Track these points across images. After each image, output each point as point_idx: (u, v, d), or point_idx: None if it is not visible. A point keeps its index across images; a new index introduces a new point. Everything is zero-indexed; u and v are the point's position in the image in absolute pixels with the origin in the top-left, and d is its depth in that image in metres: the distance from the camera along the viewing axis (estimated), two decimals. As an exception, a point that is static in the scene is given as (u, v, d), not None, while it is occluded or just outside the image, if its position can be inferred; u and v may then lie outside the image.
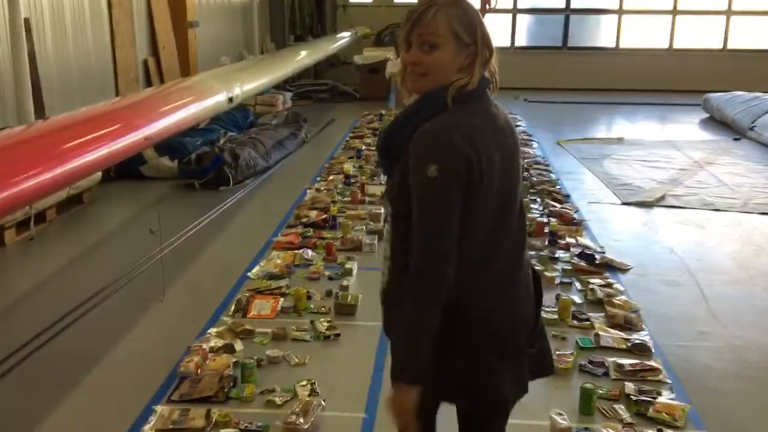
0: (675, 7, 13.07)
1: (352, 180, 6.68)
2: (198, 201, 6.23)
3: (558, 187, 6.54)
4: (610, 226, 5.59)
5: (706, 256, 4.99)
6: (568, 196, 6.30)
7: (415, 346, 1.67)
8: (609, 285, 4.29)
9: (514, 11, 13.49)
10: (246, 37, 12.06)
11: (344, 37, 13.55)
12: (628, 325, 3.77)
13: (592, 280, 4.35)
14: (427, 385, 1.69)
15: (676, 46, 13.14)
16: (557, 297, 4.09)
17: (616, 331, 3.69)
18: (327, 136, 9.10)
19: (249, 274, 4.50)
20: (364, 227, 5.32)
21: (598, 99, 12.09)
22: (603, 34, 13.56)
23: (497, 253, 1.77)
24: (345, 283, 4.24)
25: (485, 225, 1.72)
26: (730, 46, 13.06)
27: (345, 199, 6.15)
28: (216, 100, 5.18)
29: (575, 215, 5.70)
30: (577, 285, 4.36)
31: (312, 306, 4.02)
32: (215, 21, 10.59)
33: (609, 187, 6.70)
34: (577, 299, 4.12)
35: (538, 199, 6.14)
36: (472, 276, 1.72)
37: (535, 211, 5.78)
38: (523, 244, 1.85)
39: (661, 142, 8.71)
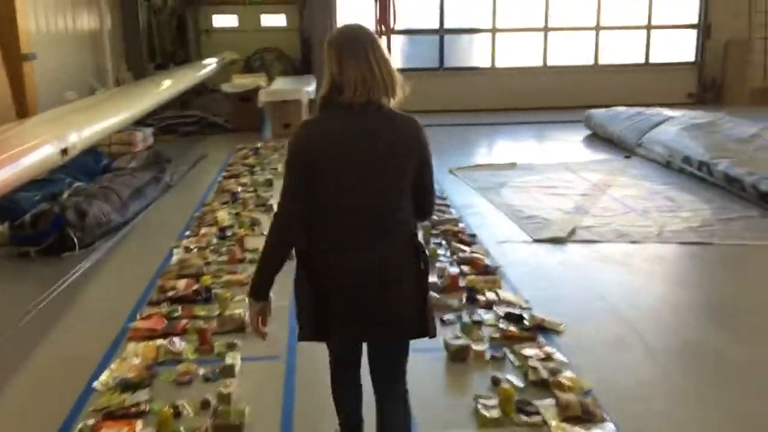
0: (546, 24, 12.89)
1: (228, 233, 5.64)
2: (34, 274, 4.99)
3: (461, 225, 5.79)
4: (527, 271, 4.88)
5: (639, 302, 4.35)
6: (473, 236, 5.56)
7: (258, 271, 2.38)
8: (549, 357, 3.53)
9: (389, 33, 12.83)
10: (97, 68, 10.65)
11: (210, 63, 12.41)
12: (586, 416, 3.00)
13: (527, 351, 3.57)
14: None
15: (549, 63, 12.96)
16: (495, 383, 3.28)
17: (577, 429, 2.91)
18: (197, 176, 7.96)
19: (95, 384, 3.37)
20: (246, 298, 4.30)
21: (478, 120, 11.64)
22: (478, 53, 13.18)
23: (335, 221, 2.27)
24: (225, 389, 3.21)
25: (326, 196, 2.24)
26: (601, 61, 13.03)
27: (221, 258, 5.11)
28: (43, 154, 4.01)
29: (487, 261, 4.95)
30: (512, 358, 3.57)
31: (182, 429, 2.97)
32: (57, 51, 9.16)
33: (514, 221, 6.04)
34: (516, 380, 3.32)
35: (444, 242, 5.36)
36: (314, 235, 2.28)
37: (443, 259, 4.99)
38: (372, 223, 2.27)
39: (554, 165, 8.22)
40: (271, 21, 14.34)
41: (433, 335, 2.41)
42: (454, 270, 4.74)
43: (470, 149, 9.71)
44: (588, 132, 10.23)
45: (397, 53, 13.14)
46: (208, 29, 14.43)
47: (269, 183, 7.30)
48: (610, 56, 13.06)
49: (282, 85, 10.95)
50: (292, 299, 2.66)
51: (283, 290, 4.08)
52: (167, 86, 9.57)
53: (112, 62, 10.84)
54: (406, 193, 2.28)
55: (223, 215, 6.07)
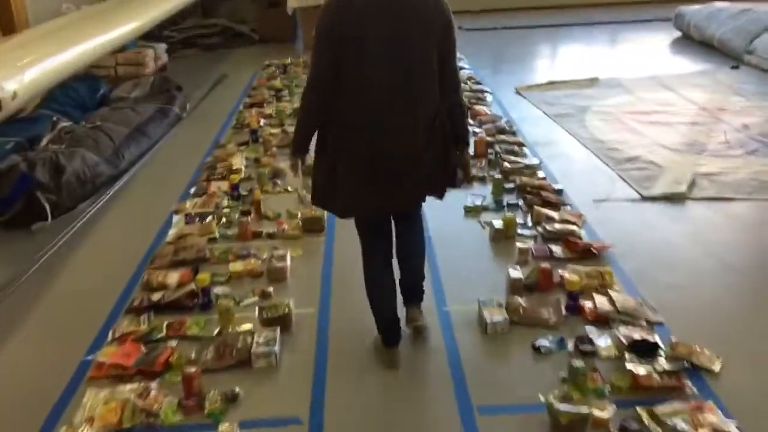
0: None
1: (243, 190, 4.34)
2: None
3: (541, 175, 4.37)
4: (644, 250, 3.48)
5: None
6: (560, 191, 4.15)
7: (296, 133, 2.49)
8: (717, 435, 2.21)
9: None
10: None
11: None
12: None
13: (678, 422, 2.25)
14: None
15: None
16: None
17: None
18: (213, 105, 6.59)
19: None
20: (256, 307, 3.05)
21: (541, 20, 9.83)
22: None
23: (370, 92, 2.32)
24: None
25: (354, 67, 2.29)
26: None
27: (230, 232, 3.84)
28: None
29: (583, 234, 3.58)
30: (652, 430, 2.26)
31: None
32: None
33: (610, 165, 4.58)
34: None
35: (521, 204, 3.98)
36: (349, 104, 2.34)
37: (525, 233, 3.63)
38: (399, 86, 2.32)
39: (644, 79, 6.58)
40: None
41: (457, 186, 2.60)
42: (538, 249, 3.39)
43: (536, 59, 8.07)
44: (677, 33, 8.42)
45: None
46: None
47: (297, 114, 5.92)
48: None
49: (314, -14, 9.29)
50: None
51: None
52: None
53: (121, -35, 9.31)
54: (432, 63, 2.34)
55: (239, 163, 4.77)
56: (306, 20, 8.74)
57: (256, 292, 3.19)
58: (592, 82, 6.55)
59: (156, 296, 3.16)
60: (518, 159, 4.61)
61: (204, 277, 3.16)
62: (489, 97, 6.17)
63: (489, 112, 5.69)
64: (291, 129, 5.62)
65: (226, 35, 9.60)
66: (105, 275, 3.52)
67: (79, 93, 5.86)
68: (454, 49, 2.41)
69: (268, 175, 4.54)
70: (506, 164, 4.48)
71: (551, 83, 6.57)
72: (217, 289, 3.20)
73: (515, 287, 3.07)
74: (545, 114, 5.72)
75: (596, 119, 5.50)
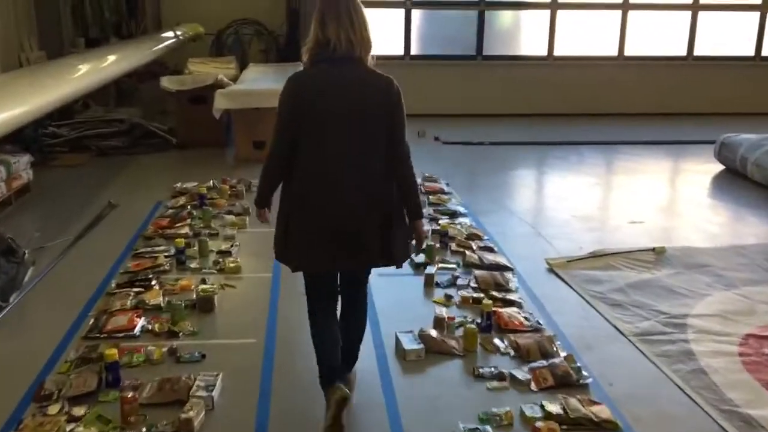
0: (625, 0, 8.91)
1: None
2: None
3: None
4: None
5: None
6: None
7: (259, 190, 2.60)
8: None
9: (408, 4, 8.84)
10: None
11: (165, 39, 8.43)
12: None
13: None
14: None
15: (627, 52, 9.03)
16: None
17: None
18: (74, 271, 3.97)
19: None
20: None
21: (534, 134, 7.74)
22: (531, 37, 9.22)
23: (320, 157, 2.42)
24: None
25: (313, 136, 2.41)
26: (697, 52, 9.12)
27: None
28: None
29: None
30: None
31: None
32: None
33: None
34: None
35: None
36: (304, 166, 2.43)
37: None
38: (351, 162, 2.42)
39: (726, 252, 4.35)
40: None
41: (398, 265, 2.61)
42: None
43: (545, 195, 5.88)
44: (719, 167, 6.38)
45: (418, 34, 9.14)
46: (169, -9, 10.25)
47: (208, 307, 3.40)
48: (708, 46, 9.15)
49: (254, 80, 6.94)
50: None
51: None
52: (79, 74, 5.58)
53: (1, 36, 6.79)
54: (380, 140, 2.43)
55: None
56: (242, 125, 6.36)
57: None
58: (658, 255, 4.26)
59: None
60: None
61: None
62: (513, 281, 3.81)
63: (525, 322, 3.32)
64: (195, 340, 3.14)
65: (134, 135, 7.08)
66: None
67: None
68: (402, 124, 2.46)
69: None
70: None
71: (596, 256, 4.26)
72: None
73: None
74: (618, 330, 3.36)
75: (709, 349, 3.16)
